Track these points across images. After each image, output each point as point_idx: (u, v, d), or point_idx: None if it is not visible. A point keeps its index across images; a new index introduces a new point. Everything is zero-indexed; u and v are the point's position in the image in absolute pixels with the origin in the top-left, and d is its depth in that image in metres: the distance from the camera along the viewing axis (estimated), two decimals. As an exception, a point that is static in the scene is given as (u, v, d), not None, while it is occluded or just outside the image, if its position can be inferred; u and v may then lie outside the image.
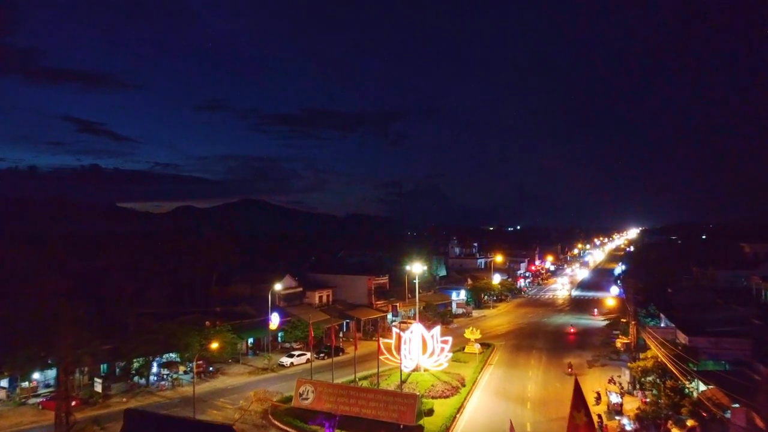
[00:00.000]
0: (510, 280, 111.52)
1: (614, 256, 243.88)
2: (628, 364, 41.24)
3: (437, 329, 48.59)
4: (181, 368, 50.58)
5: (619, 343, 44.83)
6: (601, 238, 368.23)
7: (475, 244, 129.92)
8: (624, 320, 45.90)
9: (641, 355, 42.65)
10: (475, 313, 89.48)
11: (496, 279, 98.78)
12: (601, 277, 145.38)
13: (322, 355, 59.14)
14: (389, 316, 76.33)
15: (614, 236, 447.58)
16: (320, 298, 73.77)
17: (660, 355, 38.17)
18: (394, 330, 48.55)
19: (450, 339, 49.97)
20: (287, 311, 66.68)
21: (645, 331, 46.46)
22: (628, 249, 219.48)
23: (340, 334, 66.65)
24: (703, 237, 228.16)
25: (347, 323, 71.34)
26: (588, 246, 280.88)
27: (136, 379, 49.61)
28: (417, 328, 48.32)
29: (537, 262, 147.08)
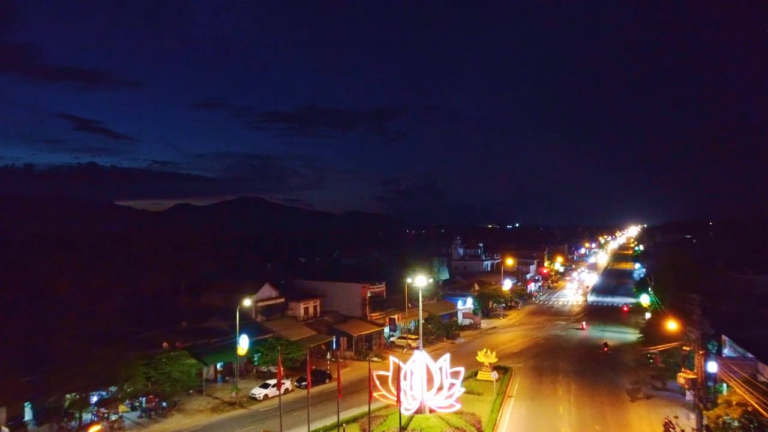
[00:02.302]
0: (520, 284, 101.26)
1: (620, 256, 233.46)
2: (705, 413, 31.06)
3: (446, 359, 38.17)
4: (121, 407, 40.19)
5: (682, 379, 34.87)
6: (605, 237, 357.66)
7: (480, 245, 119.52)
8: (687, 348, 35.88)
9: (718, 399, 32.42)
10: (484, 324, 79.16)
11: (507, 284, 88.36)
12: (615, 280, 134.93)
13: (304, 383, 48.76)
14: (386, 330, 65.98)
15: (617, 234, 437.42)
16: (306, 309, 63.43)
17: (754, 404, 27.86)
18: (392, 359, 38.29)
19: (462, 370, 39.60)
20: (265, 327, 56.41)
21: (710, 360, 36.15)
22: (637, 248, 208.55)
23: (328, 356, 56.24)
24: (710, 235, 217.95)
25: (337, 339, 61.08)
26: (594, 245, 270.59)
27: (65, 421, 39.25)
28: (420, 358, 37.95)
29: (546, 263, 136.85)
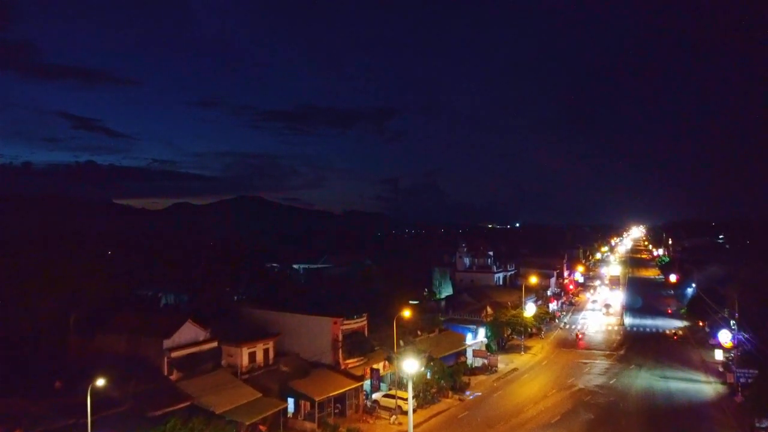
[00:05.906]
0: (541, 303, 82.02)
1: (636, 261, 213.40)
2: None
3: None
4: None
5: None
6: (615, 239, 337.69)
7: (491, 253, 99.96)
8: None
9: None
10: (501, 363, 59.78)
11: (530, 309, 68.92)
12: (645, 294, 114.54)
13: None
14: (366, 384, 46.73)
15: (624, 235, 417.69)
16: (252, 356, 44.19)
17: None
18: None
19: None
20: (179, 390, 37.33)
21: None
22: (664, 256, 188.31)
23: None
24: (721, 236, 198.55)
25: (295, 402, 41.99)
26: (606, 248, 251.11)
27: None
28: None
29: (565, 273, 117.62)
